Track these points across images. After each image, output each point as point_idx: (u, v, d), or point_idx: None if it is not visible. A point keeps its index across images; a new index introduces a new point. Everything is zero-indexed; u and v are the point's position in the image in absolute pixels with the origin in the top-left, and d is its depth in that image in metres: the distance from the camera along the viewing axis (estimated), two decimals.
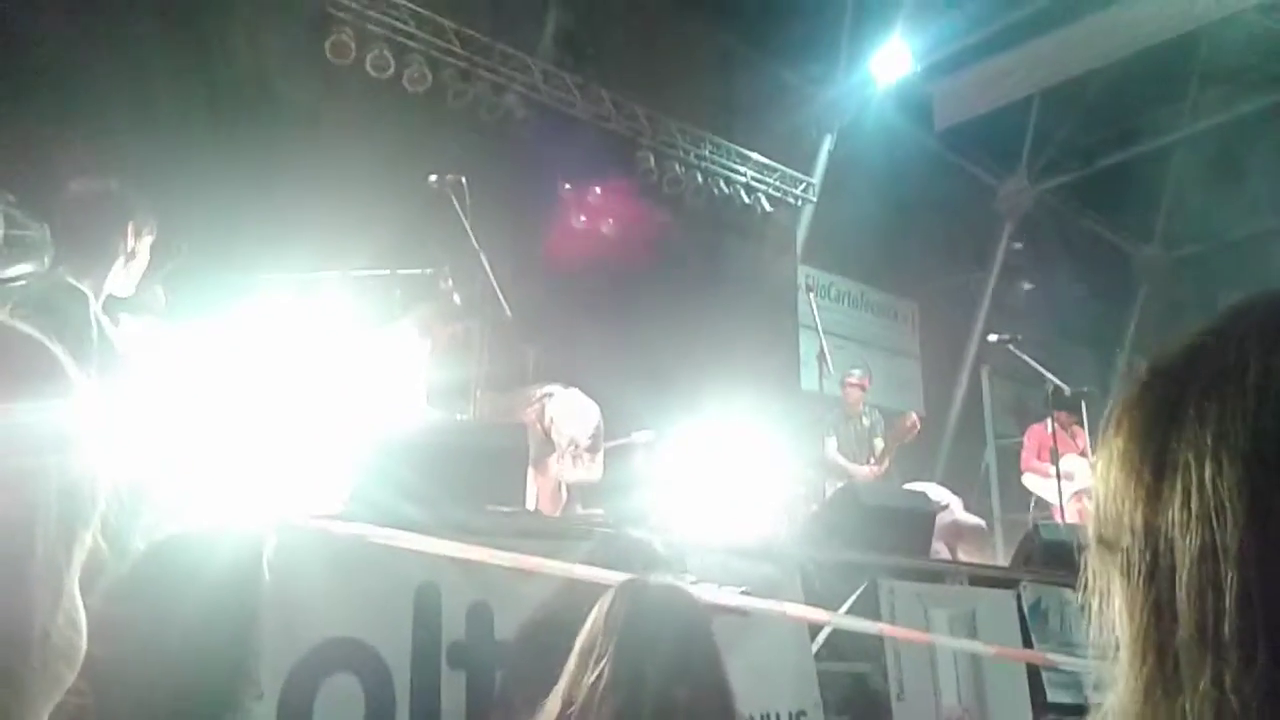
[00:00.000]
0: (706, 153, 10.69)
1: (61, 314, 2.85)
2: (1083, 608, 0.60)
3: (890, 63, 11.21)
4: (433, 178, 5.42)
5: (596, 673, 2.17)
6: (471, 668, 3.82)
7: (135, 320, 4.36)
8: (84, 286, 3.11)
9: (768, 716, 4.42)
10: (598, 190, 9.60)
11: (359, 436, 4.17)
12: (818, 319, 7.60)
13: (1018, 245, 13.23)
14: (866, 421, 8.62)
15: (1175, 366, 0.57)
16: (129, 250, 3.27)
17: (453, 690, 3.76)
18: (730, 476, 6.26)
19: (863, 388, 8.76)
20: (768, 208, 11.18)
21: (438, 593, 3.78)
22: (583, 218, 9.60)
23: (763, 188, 11.17)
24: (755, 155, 11.08)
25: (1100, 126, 12.52)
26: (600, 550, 3.77)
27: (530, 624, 3.56)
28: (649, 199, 10.02)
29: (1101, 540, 0.58)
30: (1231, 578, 0.49)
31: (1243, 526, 0.50)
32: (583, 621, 2.22)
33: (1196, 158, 12.88)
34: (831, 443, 8.39)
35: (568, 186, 9.48)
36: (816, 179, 11.69)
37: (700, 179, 10.53)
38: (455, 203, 5.36)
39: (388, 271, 5.30)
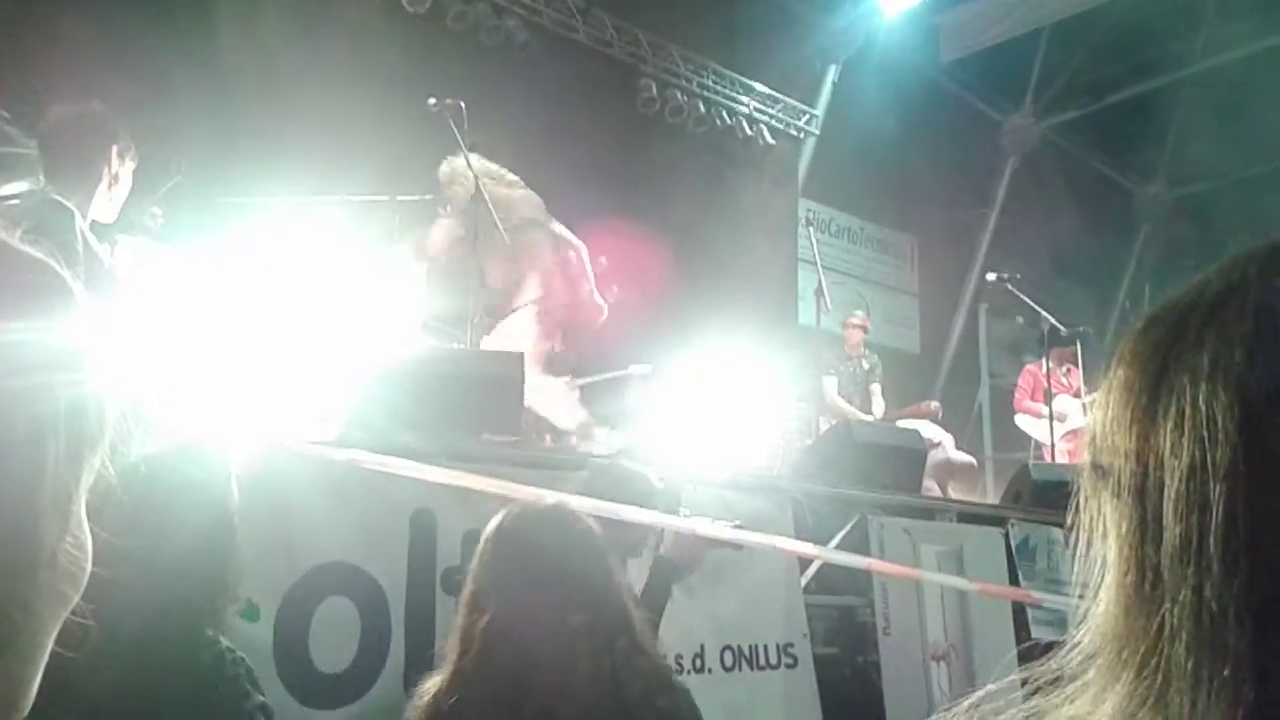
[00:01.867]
0: (709, 81, 10.55)
1: (50, 232, 2.83)
2: (1069, 540, 0.60)
3: None
4: (431, 101, 5.35)
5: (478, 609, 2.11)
6: None
7: (131, 240, 4.34)
8: (69, 203, 3.09)
9: (755, 648, 4.49)
10: (603, 260, 9.38)
11: (356, 362, 4.17)
12: (817, 254, 7.57)
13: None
14: (866, 365, 8.62)
15: (1180, 299, 0.58)
16: (112, 174, 3.24)
17: (447, 615, 3.80)
18: (725, 410, 6.29)
19: (864, 329, 8.74)
20: (770, 139, 11.07)
21: (433, 519, 3.81)
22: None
23: (765, 119, 11.04)
24: (758, 85, 10.93)
25: (1108, 62, 12.34)
26: (595, 480, 3.77)
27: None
28: (648, 134, 9.89)
29: (1095, 465, 0.58)
30: (1219, 492, 0.50)
31: (1233, 444, 0.50)
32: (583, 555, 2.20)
33: (1204, 96, 12.73)
34: (831, 383, 8.39)
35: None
36: (820, 111, 11.55)
37: (702, 108, 10.40)
38: (454, 127, 5.30)
39: (386, 197, 5.25)
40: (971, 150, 12.97)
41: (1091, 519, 0.58)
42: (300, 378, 4.04)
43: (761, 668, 4.46)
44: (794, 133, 11.44)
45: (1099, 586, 0.57)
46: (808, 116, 11.46)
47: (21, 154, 3.46)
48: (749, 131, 10.87)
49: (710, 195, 10.38)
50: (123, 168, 3.34)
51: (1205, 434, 0.51)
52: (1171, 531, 0.52)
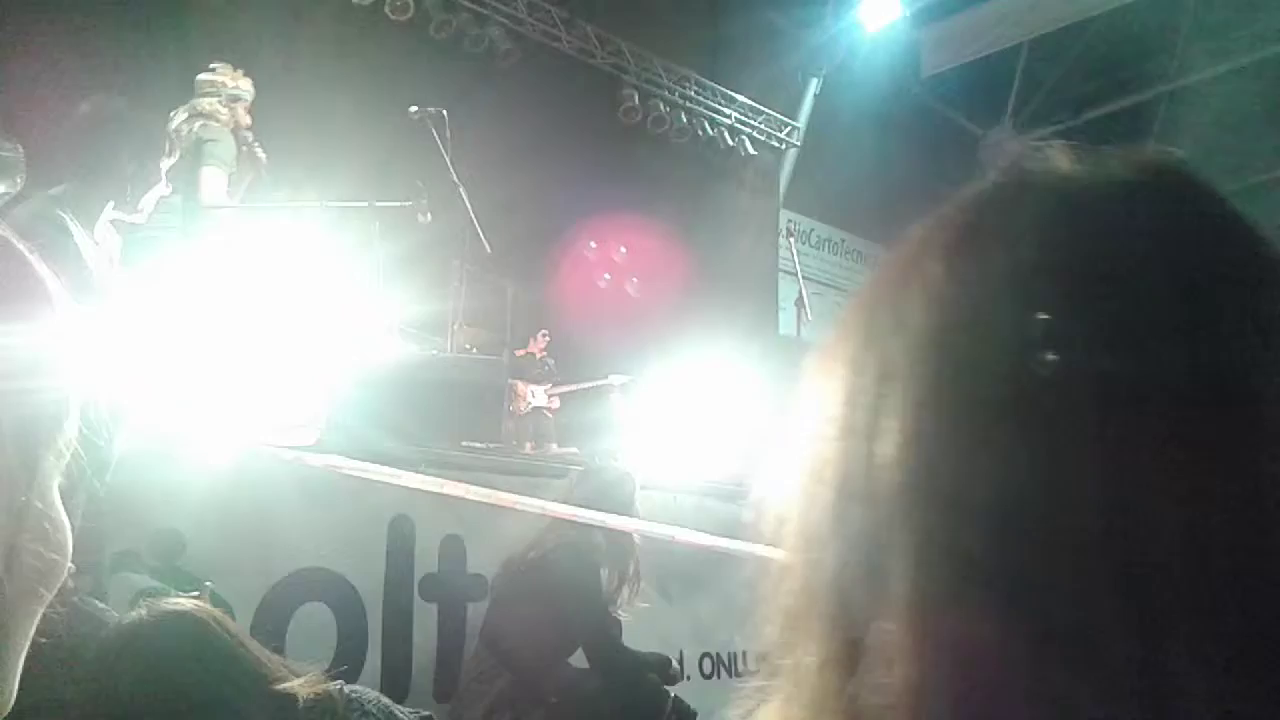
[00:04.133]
0: (691, 92, 10.59)
1: (36, 236, 2.80)
2: None
3: (879, 8, 11.10)
4: (413, 109, 5.35)
5: None
6: (444, 600, 3.86)
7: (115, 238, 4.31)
8: (70, 217, 3.06)
9: (734, 656, 4.49)
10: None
11: (336, 368, 4.15)
12: (798, 265, 7.60)
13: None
14: None
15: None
16: (127, 175, 3.19)
17: (424, 621, 3.79)
18: (705, 418, 6.29)
19: None
20: (751, 150, 11.12)
21: (411, 525, 3.81)
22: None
23: (747, 130, 11.09)
24: (740, 97, 10.98)
25: (1088, 77, 12.46)
26: (583, 483, 3.75)
27: (520, 564, 3.57)
28: (630, 144, 9.92)
29: None
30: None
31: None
32: (577, 562, 2.14)
33: (1184, 111, 12.86)
34: None
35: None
36: (801, 123, 11.62)
37: (684, 119, 10.44)
38: (435, 135, 5.30)
39: (365, 203, 5.24)
40: (952, 163, 13.03)
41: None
42: (279, 383, 4.02)
43: (740, 675, 4.46)
44: (776, 144, 11.50)
45: None
46: (789, 129, 11.52)
47: (3, 155, 3.43)
48: (731, 142, 10.91)
49: (692, 205, 10.41)
50: (145, 166, 3.28)
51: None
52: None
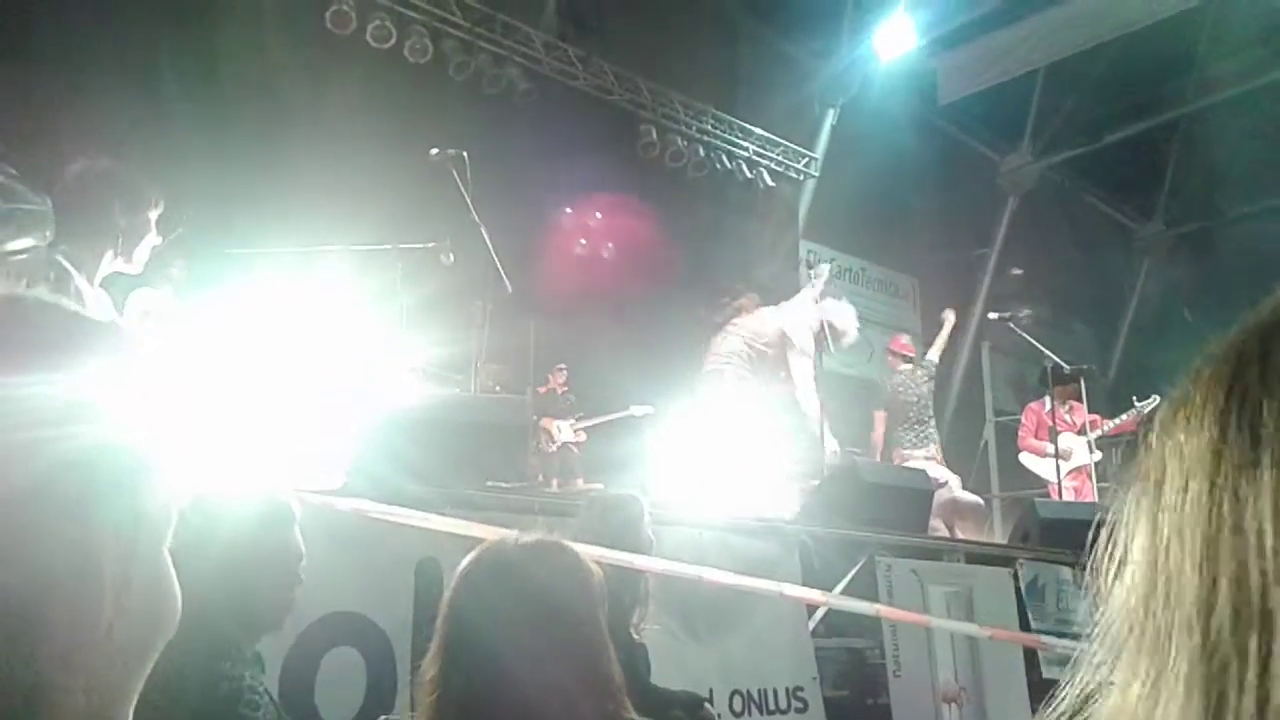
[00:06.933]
0: (709, 126, 10.65)
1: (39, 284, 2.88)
2: (1078, 578, 0.60)
3: (894, 37, 11.14)
4: (434, 151, 5.40)
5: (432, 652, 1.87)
6: None
7: (154, 292, 4.38)
8: (70, 264, 3.12)
9: (764, 692, 4.46)
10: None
11: (360, 411, 4.18)
12: (820, 295, 7.57)
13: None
14: (921, 372, 8.54)
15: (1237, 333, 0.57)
16: (120, 228, 3.27)
17: None
18: (729, 451, 6.28)
19: (904, 356, 8.72)
20: (770, 182, 11.16)
21: (438, 567, 3.80)
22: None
23: (765, 162, 11.14)
24: (758, 130, 11.03)
25: (1104, 102, 12.46)
26: (586, 513, 3.68)
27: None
28: (649, 179, 9.98)
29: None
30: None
31: None
32: (575, 596, 2.01)
33: (1200, 134, 12.84)
34: (880, 417, 8.31)
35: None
36: (819, 154, 11.65)
37: (702, 153, 10.50)
38: (456, 177, 5.34)
39: (389, 246, 5.29)
40: (971, 190, 13.06)
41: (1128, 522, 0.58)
42: (306, 426, 4.05)
43: (771, 712, 4.43)
44: (794, 175, 11.53)
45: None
46: (807, 159, 11.56)
47: (30, 209, 3.50)
48: (749, 175, 10.96)
49: (712, 237, 10.46)
50: (136, 219, 3.36)
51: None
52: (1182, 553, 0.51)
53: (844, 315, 7.14)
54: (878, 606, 4.39)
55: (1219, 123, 12.01)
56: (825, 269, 7.76)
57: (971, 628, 4.68)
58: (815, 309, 7.03)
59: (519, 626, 1.80)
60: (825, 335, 6.83)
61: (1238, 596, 0.49)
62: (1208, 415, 0.53)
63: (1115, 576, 0.56)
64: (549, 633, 1.81)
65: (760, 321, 6.97)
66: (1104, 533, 0.58)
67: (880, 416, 8.31)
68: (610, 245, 9.51)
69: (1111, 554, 0.57)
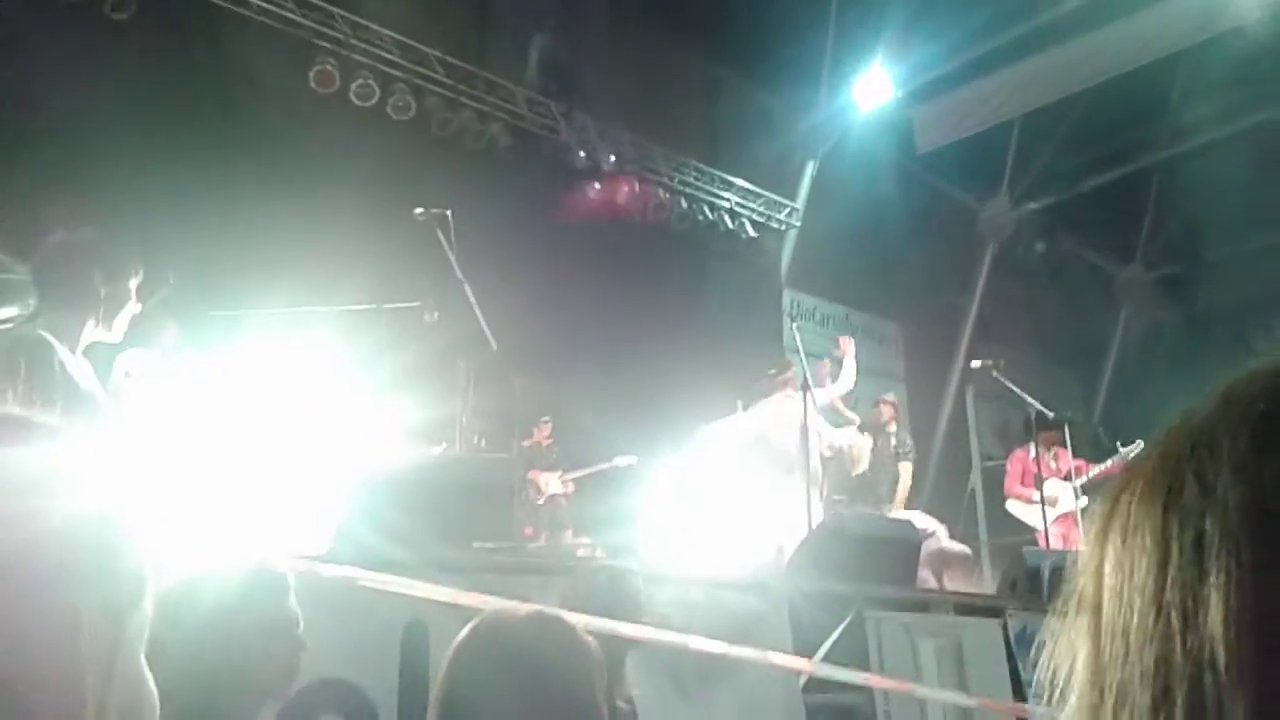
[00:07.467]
0: (691, 179, 10.76)
1: (29, 366, 2.90)
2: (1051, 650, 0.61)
3: (872, 89, 11.31)
4: (418, 211, 5.43)
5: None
6: None
7: (142, 353, 4.37)
8: (51, 336, 3.13)
9: None
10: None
11: (344, 474, 4.16)
12: (800, 347, 7.62)
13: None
14: (894, 441, 8.80)
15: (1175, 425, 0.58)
16: (100, 297, 3.28)
17: None
18: (717, 504, 6.28)
19: (895, 408, 9.13)
20: (752, 233, 11.26)
21: (425, 630, 3.77)
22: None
23: (747, 213, 11.24)
24: (739, 181, 11.15)
25: (1081, 149, 12.64)
26: (581, 586, 3.67)
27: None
28: (632, 230, 10.09)
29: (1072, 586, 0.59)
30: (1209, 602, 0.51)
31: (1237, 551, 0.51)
32: (574, 676, 1.99)
33: (1176, 179, 13.03)
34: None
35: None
36: (800, 204, 11.77)
37: (684, 205, 10.59)
38: (441, 236, 5.37)
39: (373, 306, 5.31)
40: (951, 238, 13.19)
41: (1067, 640, 0.59)
42: (290, 491, 4.03)
43: None
44: (776, 225, 11.64)
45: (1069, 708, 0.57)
46: (788, 210, 11.67)
47: (11, 280, 3.51)
48: (731, 225, 11.06)
49: (696, 288, 10.52)
50: (115, 287, 3.37)
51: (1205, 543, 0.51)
52: (1135, 652, 0.52)
53: (862, 447, 7.40)
54: (866, 675, 4.38)
55: (1197, 166, 12.19)
56: (850, 345, 7.97)
57: (959, 697, 4.66)
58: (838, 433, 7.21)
59: (518, 712, 1.78)
60: (809, 386, 6.84)
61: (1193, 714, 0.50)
62: (1147, 531, 0.54)
63: (1060, 699, 0.58)
64: (548, 717, 1.79)
65: (787, 413, 7.04)
66: (1043, 655, 0.59)
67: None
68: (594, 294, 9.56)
69: (1053, 677, 0.58)
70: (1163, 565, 0.53)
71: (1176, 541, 0.52)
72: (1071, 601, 0.58)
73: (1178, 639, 0.51)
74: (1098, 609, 0.56)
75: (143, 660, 0.66)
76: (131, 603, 0.64)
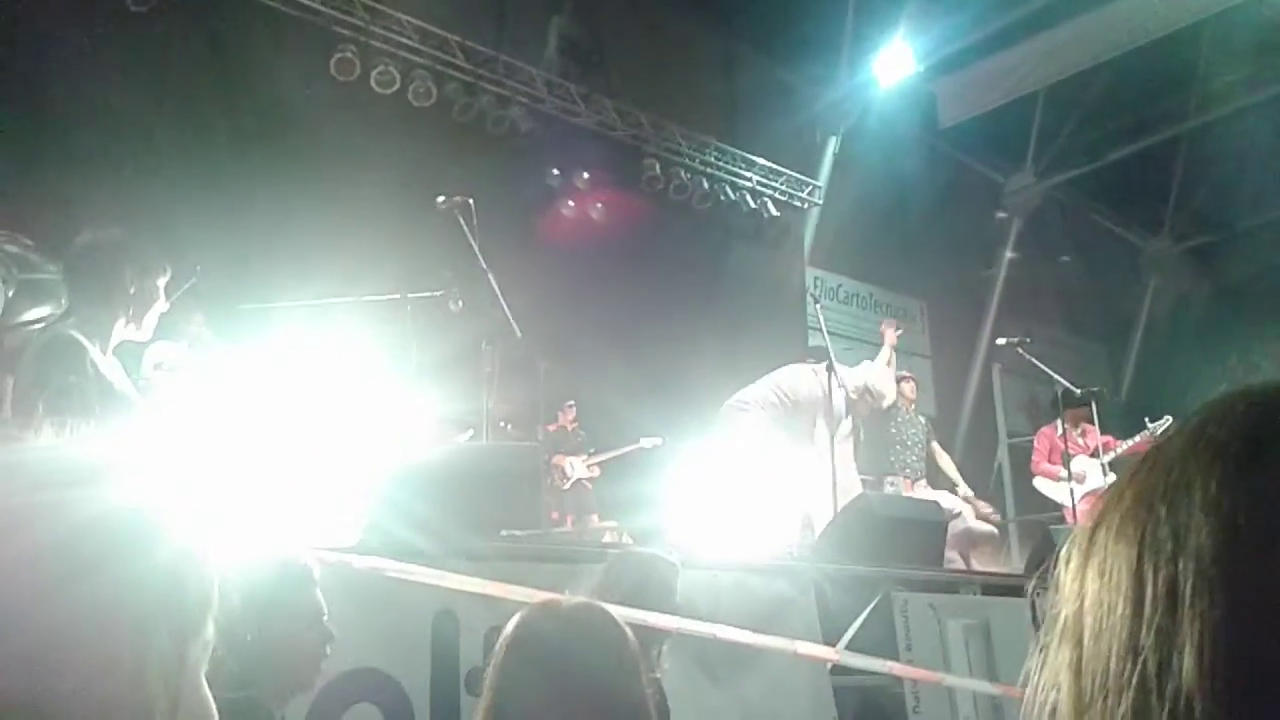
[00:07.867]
0: (712, 158, 10.71)
1: (63, 368, 2.95)
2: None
3: (893, 63, 11.20)
4: (440, 199, 5.43)
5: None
6: None
7: (171, 345, 4.42)
8: (83, 336, 3.16)
9: None
10: (585, 175, 9.71)
11: (373, 465, 4.20)
12: (824, 327, 7.58)
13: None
14: (923, 420, 8.65)
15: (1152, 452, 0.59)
16: (130, 295, 3.32)
17: (472, 716, 3.78)
18: (742, 489, 6.28)
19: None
20: (774, 211, 11.20)
21: (455, 620, 3.81)
22: (571, 203, 9.71)
23: (768, 191, 11.19)
24: (760, 159, 11.09)
25: (1105, 121, 12.49)
26: (614, 569, 3.68)
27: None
28: (648, 201, 10.07)
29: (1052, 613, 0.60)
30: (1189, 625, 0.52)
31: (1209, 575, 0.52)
32: (617, 672, 2.02)
33: (1203, 149, 12.85)
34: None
35: (555, 172, 9.57)
36: (822, 181, 11.69)
37: (706, 184, 10.56)
38: (463, 224, 5.37)
39: (399, 296, 5.33)
40: (975, 212, 13.09)
41: (1051, 672, 0.59)
42: (319, 483, 4.07)
43: None
44: (798, 204, 11.57)
45: None
46: (810, 187, 11.60)
47: (44, 279, 3.55)
48: (753, 205, 11.01)
49: (719, 269, 10.50)
50: (144, 285, 3.41)
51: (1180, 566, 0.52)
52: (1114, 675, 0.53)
53: (884, 378, 7.23)
54: (891, 664, 4.38)
55: (1224, 135, 12.02)
56: (893, 333, 7.86)
57: (984, 685, 4.67)
58: (856, 372, 7.10)
59: (565, 713, 1.85)
60: (833, 366, 6.82)
61: None
62: (1123, 571, 0.55)
63: None
64: (593, 714, 1.86)
65: (797, 378, 6.99)
66: (1029, 685, 0.60)
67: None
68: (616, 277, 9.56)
69: (1038, 710, 0.59)
70: (1138, 607, 0.54)
71: (1150, 586, 0.53)
72: (1054, 631, 0.59)
73: (1154, 685, 0.52)
74: (1079, 643, 0.57)
75: (204, 684, 0.68)
76: (196, 627, 0.66)
